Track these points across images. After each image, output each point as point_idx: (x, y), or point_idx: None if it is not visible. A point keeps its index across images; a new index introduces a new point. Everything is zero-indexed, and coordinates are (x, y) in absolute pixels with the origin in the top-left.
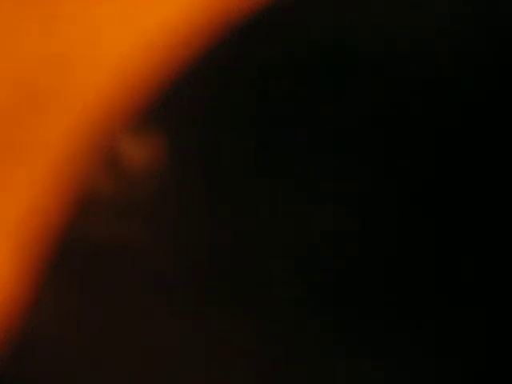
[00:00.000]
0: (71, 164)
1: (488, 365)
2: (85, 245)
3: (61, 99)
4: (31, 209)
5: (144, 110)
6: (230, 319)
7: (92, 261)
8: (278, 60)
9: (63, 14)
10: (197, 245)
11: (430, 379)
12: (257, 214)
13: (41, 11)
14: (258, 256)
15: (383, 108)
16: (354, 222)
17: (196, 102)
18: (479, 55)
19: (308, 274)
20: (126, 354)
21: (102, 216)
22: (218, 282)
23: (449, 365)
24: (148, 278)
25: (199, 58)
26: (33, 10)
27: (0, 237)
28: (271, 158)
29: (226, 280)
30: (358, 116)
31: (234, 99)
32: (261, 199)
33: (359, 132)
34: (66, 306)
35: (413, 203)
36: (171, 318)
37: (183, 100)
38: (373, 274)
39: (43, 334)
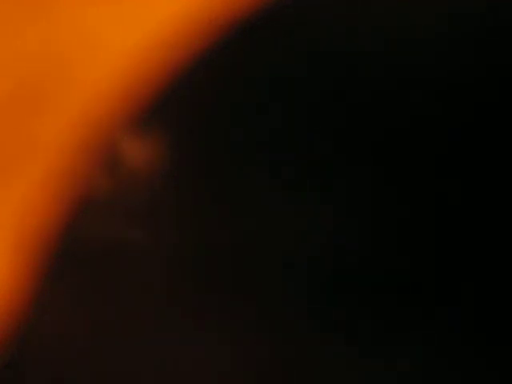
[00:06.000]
0: (71, 164)
1: (488, 366)
2: (84, 245)
3: (60, 99)
4: (31, 209)
5: (144, 110)
6: (231, 319)
7: (92, 261)
8: (278, 60)
9: (62, 14)
10: (197, 244)
11: (437, 379)
12: (257, 214)
13: (39, 11)
14: (258, 255)
15: (384, 109)
16: (356, 221)
17: (196, 102)
18: (480, 55)
19: (309, 274)
20: (126, 353)
21: (102, 216)
22: (219, 282)
23: (452, 365)
24: (148, 278)
25: (199, 58)
26: (31, 10)
27: (0, 237)
28: (271, 158)
29: (227, 280)
30: (358, 117)
31: (234, 99)
32: (261, 199)
33: (361, 132)
34: (66, 306)
35: (415, 204)
36: (171, 318)
37: (183, 100)
38: (374, 273)
39: (43, 334)
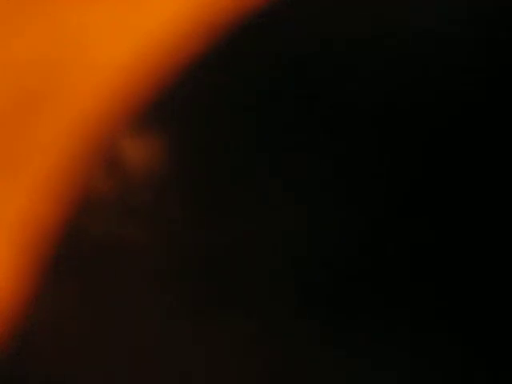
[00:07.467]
0: (71, 165)
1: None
2: (84, 245)
3: (60, 100)
4: (31, 209)
5: (144, 111)
6: (230, 319)
7: (92, 260)
8: (278, 60)
9: (60, 17)
10: (197, 245)
11: (430, 380)
12: (257, 214)
13: (33, 14)
14: (258, 256)
15: (384, 109)
16: (354, 221)
17: (196, 103)
18: (480, 56)
19: (308, 274)
20: (125, 353)
21: (102, 216)
22: (218, 282)
23: (453, 366)
24: (148, 278)
25: (199, 58)
26: (25, 13)
27: (0, 237)
28: (271, 158)
29: (226, 280)
30: (358, 117)
31: (234, 99)
32: (261, 199)
33: (361, 133)
34: (66, 306)
35: (411, 204)
36: (171, 318)
37: (183, 100)
38: (373, 273)
39: (43, 334)
